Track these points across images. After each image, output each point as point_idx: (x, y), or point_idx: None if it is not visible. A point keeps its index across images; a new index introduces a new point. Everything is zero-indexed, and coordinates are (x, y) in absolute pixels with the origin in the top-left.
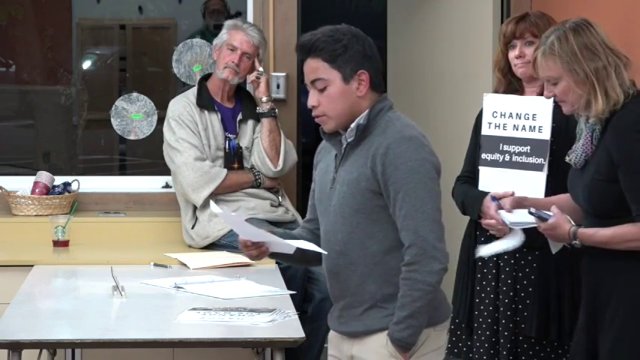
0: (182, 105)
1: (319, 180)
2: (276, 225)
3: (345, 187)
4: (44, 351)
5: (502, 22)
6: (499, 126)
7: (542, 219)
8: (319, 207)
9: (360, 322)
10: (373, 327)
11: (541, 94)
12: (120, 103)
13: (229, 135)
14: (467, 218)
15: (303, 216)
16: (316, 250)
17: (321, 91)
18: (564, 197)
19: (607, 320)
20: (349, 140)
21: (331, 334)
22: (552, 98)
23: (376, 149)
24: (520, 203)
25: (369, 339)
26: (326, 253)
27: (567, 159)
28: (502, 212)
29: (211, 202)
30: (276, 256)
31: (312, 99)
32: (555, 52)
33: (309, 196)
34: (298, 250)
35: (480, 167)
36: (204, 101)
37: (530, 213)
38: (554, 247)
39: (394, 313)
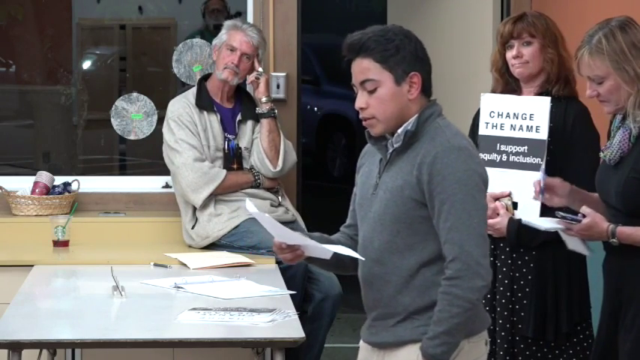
0: (181, 106)
1: (361, 184)
2: None
3: (388, 193)
4: (44, 351)
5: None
6: (496, 126)
7: (574, 222)
8: (359, 212)
9: (391, 333)
10: (404, 338)
11: (538, 94)
12: (120, 103)
13: (229, 135)
14: None
15: (303, 216)
16: (353, 255)
17: (371, 92)
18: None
19: (628, 320)
20: (396, 146)
21: (361, 345)
22: (549, 98)
23: (423, 157)
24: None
25: (399, 351)
26: (363, 259)
27: (602, 155)
28: (532, 220)
29: (247, 200)
30: (312, 261)
31: (361, 100)
32: (603, 50)
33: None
34: (335, 256)
35: None
36: (204, 102)
37: (561, 217)
38: (572, 244)
39: (426, 324)
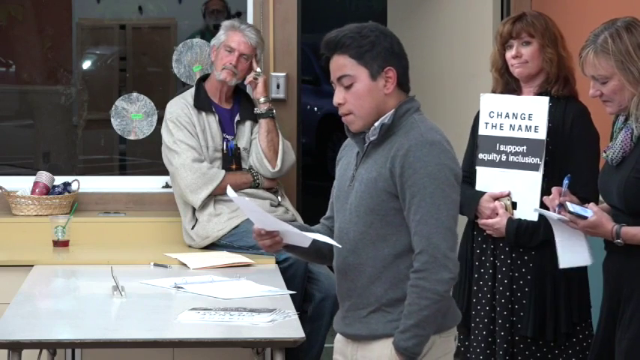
0: (180, 106)
1: (339, 177)
2: None
3: (363, 185)
4: (44, 351)
5: None
6: (496, 126)
7: (580, 217)
8: (336, 204)
9: (364, 324)
10: (377, 332)
11: (538, 94)
12: (120, 103)
13: (227, 136)
14: (464, 219)
15: (303, 216)
16: (331, 242)
17: (348, 88)
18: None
19: (625, 319)
20: (372, 139)
21: (337, 337)
22: (548, 97)
23: (397, 150)
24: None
25: (373, 345)
26: (340, 246)
27: (604, 155)
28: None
29: (228, 187)
30: (290, 249)
31: (338, 96)
32: (609, 50)
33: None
34: (313, 245)
35: (477, 167)
36: (202, 102)
37: (569, 212)
38: (567, 260)
39: (399, 318)
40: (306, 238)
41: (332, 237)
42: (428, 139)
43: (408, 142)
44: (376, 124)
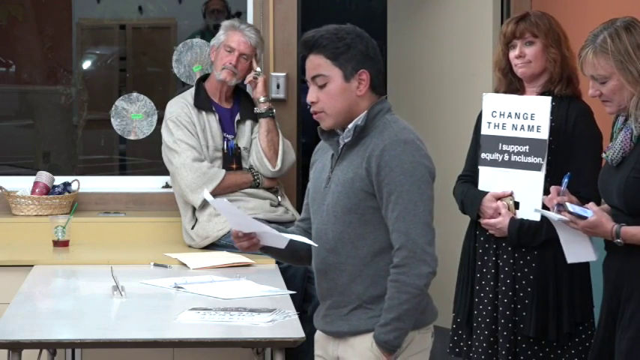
0: (179, 106)
1: (314, 179)
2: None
3: (339, 186)
4: (44, 351)
5: (502, 22)
6: (498, 126)
7: (580, 217)
8: (312, 206)
9: (345, 322)
10: (359, 328)
11: (541, 93)
12: (120, 103)
13: (227, 135)
14: (467, 218)
15: None
16: (308, 243)
17: (321, 87)
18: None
19: (625, 319)
20: (346, 141)
21: (317, 334)
22: (550, 97)
23: (372, 150)
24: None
25: (354, 340)
26: (317, 245)
27: (604, 155)
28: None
29: (205, 190)
30: (267, 251)
31: (312, 95)
32: (608, 50)
33: (305, 194)
34: (289, 247)
35: (480, 167)
36: (202, 102)
37: (569, 212)
38: (573, 256)
39: (380, 314)
40: (282, 239)
41: (308, 238)
42: (401, 138)
43: (382, 142)
44: (350, 126)
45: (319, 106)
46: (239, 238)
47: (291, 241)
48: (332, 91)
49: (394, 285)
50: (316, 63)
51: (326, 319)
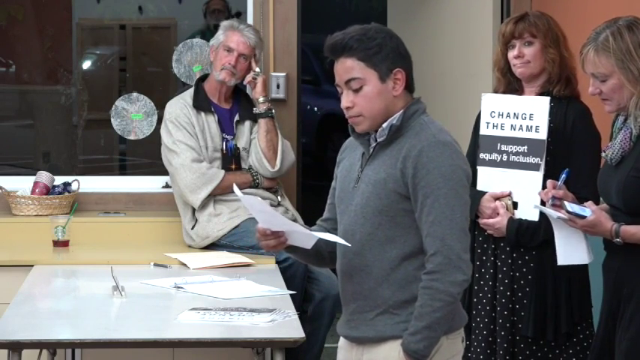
0: (179, 107)
1: (342, 178)
2: None
3: (370, 186)
4: (44, 351)
5: (502, 22)
6: (497, 126)
7: (579, 216)
8: (339, 205)
9: (370, 327)
10: (385, 334)
11: (540, 94)
12: (120, 103)
13: (226, 136)
14: None
15: (303, 216)
16: (339, 241)
17: (356, 91)
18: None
19: (626, 319)
20: (380, 140)
21: (341, 341)
22: (548, 97)
23: (408, 151)
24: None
25: (380, 347)
26: (350, 245)
27: (603, 155)
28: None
29: (234, 186)
30: (292, 251)
31: (347, 100)
32: (609, 48)
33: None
34: (314, 247)
35: (478, 167)
36: (201, 103)
37: (568, 211)
38: (565, 257)
39: (407, 320)
40: (311, 238)
41: None
42: (440, 140)
43: (420, 143)
44: (384, 125)
45: (356, 111)
46: (266, 236)
47: (315, 242)
48: (369, 93)
49: (427, 292)
50: (348, 66)
51: (350, 324)
